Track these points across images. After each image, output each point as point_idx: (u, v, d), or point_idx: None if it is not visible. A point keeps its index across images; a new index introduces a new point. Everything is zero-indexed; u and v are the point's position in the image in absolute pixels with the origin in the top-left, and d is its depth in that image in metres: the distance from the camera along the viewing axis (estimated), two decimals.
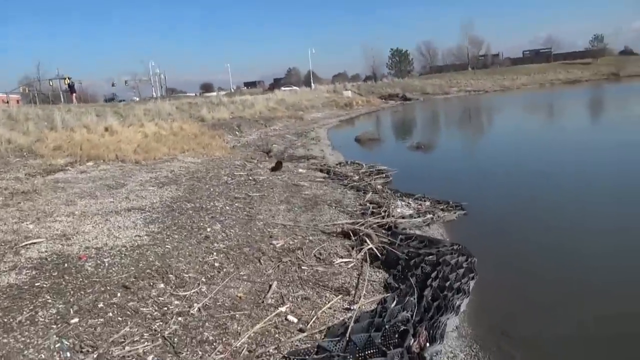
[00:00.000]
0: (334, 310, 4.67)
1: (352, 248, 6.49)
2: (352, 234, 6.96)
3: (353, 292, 5.15)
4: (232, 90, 71.29)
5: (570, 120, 26.96)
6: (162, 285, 4.76)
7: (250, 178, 11.08)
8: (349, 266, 5.85)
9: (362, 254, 6.25)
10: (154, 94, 53.78)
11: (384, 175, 12.79)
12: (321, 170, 13.18)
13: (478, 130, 26.84)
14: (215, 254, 5.80)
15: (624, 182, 10.90)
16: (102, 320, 4.04)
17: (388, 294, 5.22)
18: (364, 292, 5.11)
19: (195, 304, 4.43)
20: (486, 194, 10.74)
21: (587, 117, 28.15)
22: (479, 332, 4.84)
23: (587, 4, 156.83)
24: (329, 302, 4.80)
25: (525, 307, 5.41)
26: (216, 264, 5.47)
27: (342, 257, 6.11)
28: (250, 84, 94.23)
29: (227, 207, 8.17)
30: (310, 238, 6.81)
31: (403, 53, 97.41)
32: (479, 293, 5.59)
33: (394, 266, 6.11)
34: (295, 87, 64.69)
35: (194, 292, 4.69)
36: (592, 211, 8.88)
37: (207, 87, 77.34)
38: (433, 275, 5.72)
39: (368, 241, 6.57)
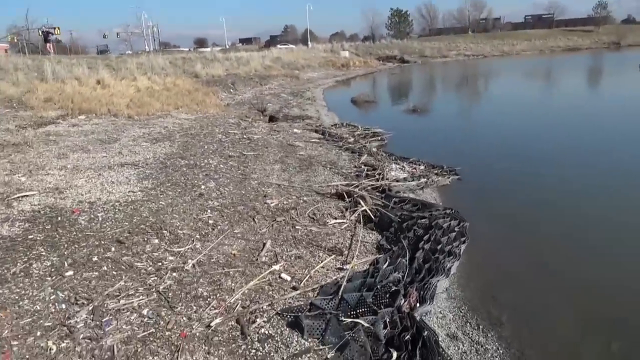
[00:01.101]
0: (327, 270, 4.72)
1: (346, 209, 6.52)
2: (346, 196, 6.98)
3: (346, 252, 5.20)
4: (227, 46, 69.72)
5: (565, 88, 26.87)
6: (156, 241, 4.78)
7: (245, 137, 10.99)
8: (343, 227, 5.89)
9: (356, 215, 6.28)
10: (146, 47, 52.37)
11: (379, 138, 12.73)
12: (316, 131, 13.08)
13: (475, 95, 26.63)
14: (209, 211, 5.80)
15: (614, 145, 11.17)
16: (96, 273, 4.06)
17: (380, 255, 5.29)
18: (357, 252, 5.17)
19: (189, 260, 4.46)
20: (480, 159, 10.75)
21: (581, 86, 27.98)
22: (468, 295, 4.94)
23: None
24: (322, 261, 4.85)
25: (515, 272, 5.51)
26: (210, 222, 5.48)
27: (335, 218, 6.14)
28: (245, 41, 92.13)
29: (222, 166, 8.12)
30: (305, 198, 6.82)
31: (403, 14, 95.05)
32: (469, 256, 5.68)
33: (387, 228, 6.16)
34: (291, 45, 63.29)
35: (188, 249, 4.72)
36: (584, 175, 9.03)
37: (201, 43, 75.48)
38: (425, 238, 5.78)
39: (362, 203, 6.59)
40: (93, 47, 56.74)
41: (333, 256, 5.02)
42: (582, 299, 4.92)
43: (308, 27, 76.40)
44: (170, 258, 4.49)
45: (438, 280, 4.89)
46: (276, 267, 4.56)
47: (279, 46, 62.29)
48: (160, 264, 4.36)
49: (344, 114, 18.16)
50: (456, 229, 6.28)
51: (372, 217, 6.34)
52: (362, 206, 6.50)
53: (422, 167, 9.54)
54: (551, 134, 13.00)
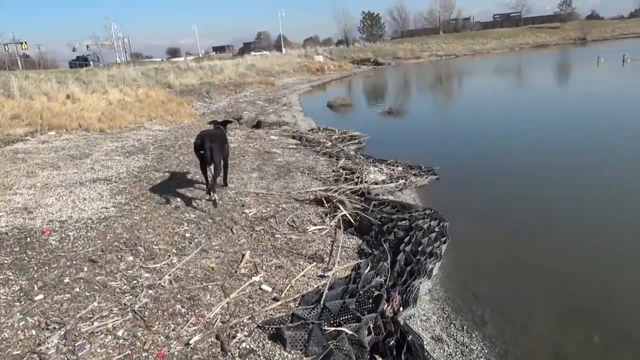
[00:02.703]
0: (308, 278, 4.65)
1: (326, 215, 6.46)
2: (325, 201, 6.92)
3: (327, 259, 5.14)
4: (201, 55, 69.12)
5: (535, 84, 27.43)
6: (130, 258, 4.63)
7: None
8: (323, 233, 5.83)
9: (336, 220, 6.22)
10: (117, 59, 51.60)
11: (356, 141, 12.74)
12: (293, 137, 13.01)
13: (449, 95, 26.94)
14: (185, 224, 5.66)
15: (586, 139, 11.54)
16: (68, 295, 3.90)
17: (362, 260, 5.24)
18: (338, 258, 5.11)
19: (166, 276, 4.33)
20: (457, 158, 10.84)
21: (550, 82, 28.66)
22: (450, 295, 4.93)
23: None
24: (303, 269, 4.78)
25: (495, 269, 5.53)
26: (187, 235, 5.35)
27: (315, 225, 6.07)
28: (219, 49, 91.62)
29: (198, 176, 7.97)
30: (284, 206, 6.74)
31: (375, 17, 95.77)
32: (451, 256, 5.68)
33: (367, 232, 6.12)
34: (265, 52, 63.24)
35: (164, 264, 4.58)
36: (558, 170, 9.16)
37: (174, 52, 74.80)
38: (406, 240, 5.76)
39: (341, 208, 6.54)
40: (63, 61, 55.36)
41: (314, 264, 4.95)
42: (562, 293, 4.95)
43: (281, 33, 76.41)
44: (146, 275, 4.35)
45: (420, 283, 4.86)
46: (256, 278, 4.47)
47: (252, 53, 62.10)
48: (135, 281, 4.22)
49: (320, 119, 18.16)
50: (436, 229, 6.29)
51: (352, 221, 6.29)
52: (342, 211, 6.45)
53: (400, 169, 9.55)
54: (524, 131, 13.23)
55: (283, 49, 65.43)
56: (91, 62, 48.47)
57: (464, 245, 6.04)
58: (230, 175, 8.19)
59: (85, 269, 4.36)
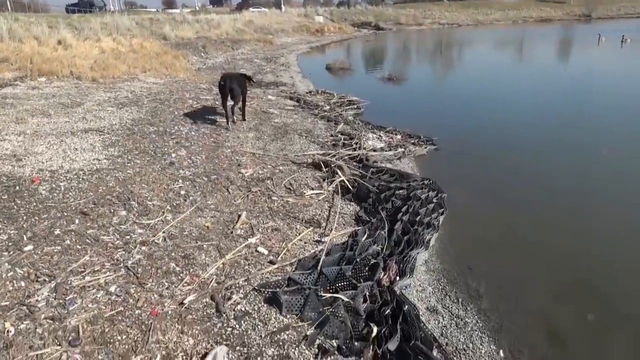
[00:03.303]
0: (305, 243, 4.57)
1: (324, 180, 6.34)
2: (323, 165, 6.79)
3: (324, 224, 5.06)
4: (197, 8, 66.94)
5: (537, 59, 27.18)
6: (123, 213, 4.50)
7: (217, 103, 10.55)
8: (320, 198, 5.72)
9: (334, 186, 6.11)
10: (111, 6, 49.75)
11: (355, 106, 12.48)
12: (291, 98, 12.73)
13: (450, 64, 26.48)
14: (180, 181, 5.52)
15: (589, 114, 11.58)
16: (59, 248, 3.78)
17: (359, 227, 5.16)
18: (335, 224, 5.02)
19: (160, 233, 4.22)
20: (457, 129, 10.70)
21: (552, 56, 28.51)
22: (446, 267, 4.90)
23: None
24: (299, 234, 4.70)
25: (491, 242, 5.49)
26: (182, 192, 5.21)
27: (313, 189, 5.96)
28: (216, 2, 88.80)
29: (193, 133, 7.77)
30: (281, 168, 6.60)
31: None
32: (448, 228, 5.63)
33: (365, 199, 6.03)
34: (264, 9, 61.34)
35: (158, 221, 4.46)
36: (559, 145, 9.17)
37: (169, 3, 72.19)
38: (404, 209, 5.68)
39: (340, 173, 6.42)
40: (55, 5, 52.93)
41: (311, 228, 4.86)
42: (559, 269, 4.94)
43: None
44: (139, 231, 4.23)
45: (417, 253, 4.81)
46: (252, 240, 4.38)
47: (251, 9, 60.19)
48: (128, 237, 4.10)
49: (319, 81, 17.79)
50: (434, 200, 6.21)
51: (350, 187, 6.19)
52: (340, 176, 6.33)
53: (399, 137, 9.40)
54: (524, 106, 13.19)
55: (282, 6, 63.58)
56: (97, 8, 45.97)
57: (461, 217, 5.98)
58: (227, 134, 8.01)
59: (77, 221, 4.23)
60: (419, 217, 5.56)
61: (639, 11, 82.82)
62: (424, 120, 11.44)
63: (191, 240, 4.22)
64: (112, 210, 4.51)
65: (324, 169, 6.72)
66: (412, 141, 9.18)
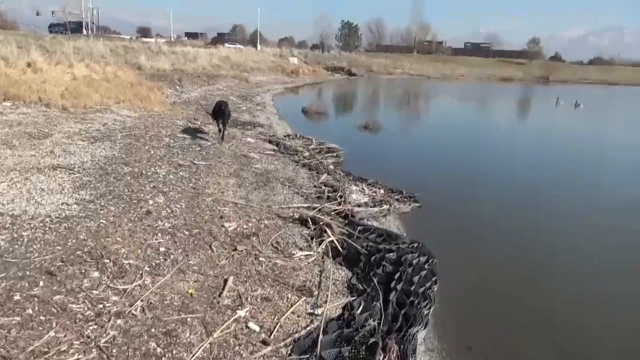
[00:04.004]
0: (298, 316, 4.15)
1: (312, 238, 5.98)
2: (310, 222, 6.43)
3: (316, 292, 4.66)
4: (173, 39, 66.92)
5: (504, 115, 28.93)
6: (96, 274, 3.97)
7: (195, 143, 10.14)
8: (310, 260, 5.34)
9: (323, 247, 5.75)
10: (84, 31, 48.78)
11: (334, 154, 12.32)
12: (270, 142, 12.45)
13: (423, 115, 27.14)
14: (160, 235, 5.03)
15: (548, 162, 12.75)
16: (18, 319, 3.22)
17: (353, 298, 4.79)
18: (329, 294, 4.63)
19: (137, 302, 3.71)
20: (436, 183, 10.79)
21: (518, 114, 30.73)
22: (445, 346, 4.59)
23: (527, 7, 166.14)
24: (291, 304, 4.27)
25: (489, 316, 5.26)
26: (161, 249, 4.72)
27: (301, 249, 5.57)
28: (191, 35, 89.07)
29: (171, 176, 7.30)
30: (266, 222, 6.20)
31: (353, 27, 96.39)
32: (441, 298, 5.34)
33: (355, 263, 5.68)
34: (240, 46, 61.89)
35: (136, 286, 3.95)
36: (536, 196, 10.00)
37: (144, 32, 71.73)
38: (396, 277, 5.38)
39: (329, 232, 6.08)
40: (25, 24, 51.33)
41: (303, 298, 4.45)
42: (561, 340, 4.74)
43: (259, 28, 75.19)
44: (114, 298, 3.71)
45: (417, 331, 4.47)
46: (242, 312, 3.92)
47: (227, 45, 60.59)
48: (101, 306, 3.58)
49: (295, 124, 17.69)
50: (426, 266, 5.95)
51: (340, 249, 5.84)
52: (329, 236, 5.99)
53: (382, 191, 9.20)
54: (499, 158, 14.00)
55: (258, 45, 64.36)
56: (84, 31, 44.75)
57: (454, 286, 5.73)
58: (207, 179, 7.58)
59: (41, 283, 3.67)
60: (413, 286, 5.26)
61: (591, 78, 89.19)
62: (403, 172, 11.43)
63: (173, 312, 3.73)
64: (83, 271, 3.98)
65: (311, 226, 6.37)
66: (396, 197, 8.99)
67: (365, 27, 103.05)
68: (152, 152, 8.53)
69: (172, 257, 4.60)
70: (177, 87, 21.49)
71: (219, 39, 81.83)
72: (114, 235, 4.74)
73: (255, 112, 19.09)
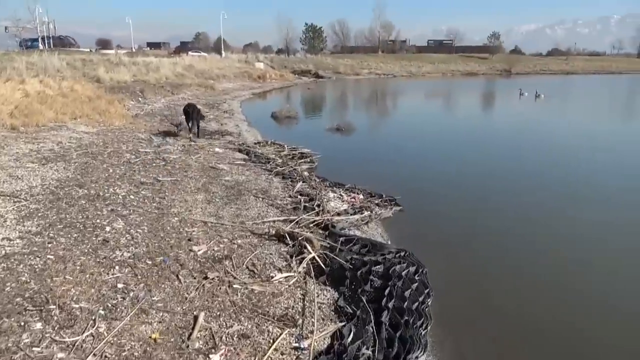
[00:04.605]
0: (282, 353, 3.61)
1: (291, 256, 5.44)
2: (288, 237, 5.90)
3: (300, 321, 4.13)
4: (134, 49, 65.16)
5: (472, 109, 29.29)
6: (39, 326, 3.34)
7: (159, 157, 9.47)
8: (290, 283, 4.80)
9: (304, 265, 5.22)
10: (40, 45, 46.83)
11: (308, 159, 11.83)
12: (240, 151, 11.86)
13: (393, 114, 26.92)
14: (117, 268, 4.40)
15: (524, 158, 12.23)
16: None
17: (342, 324, 4.27)
18: (316, 322, 4.11)
19: (89, 358, 3.10)
20: (414, 183, 10.50)
21: (485, 108, 31.29)
22: None
23: (484, 3, 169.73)
24: (273, 340, 3.73)
25: (490, 332, 4.82)
26: (119, 285, 4.10)
27: (280, 270, 5.03)
28: (154, 45, 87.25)
29: (132, 196, 6.65)
30: (239, 241, 5.64)
31: (317, 29, 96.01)
32: (436, 311, 4.88)
33: (340, 280, 5.16)
34: (204, 53, 60.72)
35: (87, 336, 3.34)
36: (515, 192, 9.88)
37: (104, 44, 69.53)
38: (387, 292, 4.90)
39: (309, 248, 5.55)
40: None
41: (286, 330, 3.91)
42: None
43: (222, 35, 73.86)
44: (60, 355, 3.10)
45: (417, 358, 4.00)
46: (215, 357, 3.36)
47: (190, 53, 59.36)
48: None
49: (265, 130, 17.15)
50: (416, 277, 5.50)
51: (323, 266, 5.32)
52: (310, 252, 5.46)
53: (361, 197, 8.74)
54: (473, 153, 14.10)
55: (223, 52, 63.33)
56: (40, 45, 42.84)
57: (445, 294, 5.30)
58: (172, 197, 6.96)
59: None
60: (405, 302, 4.79)
61: (550, 69, 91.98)
62: (379, 174, 11.03)
63: None
64: (22, 323, 3.34)
65: (290, 242, 5.84)
66: (376, 201, 8.55)
67: (329, 29, 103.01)
68: (110, 170, 7.84)
69: (131, 294, 3.99)
70: (140, 98, 20.62)
71: (182, 47, 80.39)
72: (62, 273, 4.09)
73: (223, 120, 18.43)
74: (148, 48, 78.18)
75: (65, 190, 6.44)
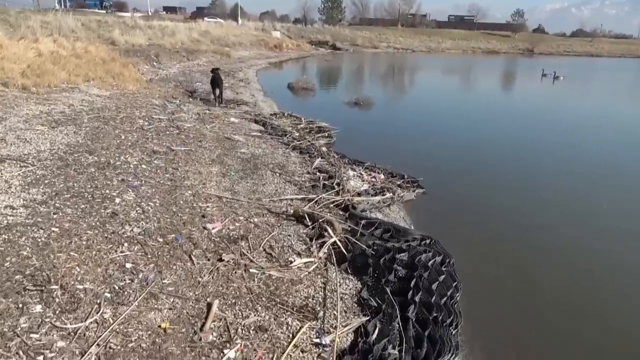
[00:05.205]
0: (302, 351, 3.29)
1: (311, 239, 5.09)
2: (308, 218, 5.54)
3: (321, 313, 3.80)
4: (150, 13, 64.20)
5: (497, 88, 28.39)
6: (38, 308, 3.04)
7: (173, 125, 9.10)
8: (311, 269, 4.46)
9: (325, 250, 4.87)
10: (56, 5, 46.16)
11: (326, 134, 11.40)
12: (256, 122, 11.44)
13: (415, 91, 26.17)
14: (126, 244, 4.08)
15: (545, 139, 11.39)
16: None
17: (366, 318, 3.94)
18: (339, 316, 3.78)
19: (92, 348, 2.80)
20: (438, 164, 10.11)
21: (509, 87, 30.59)
22: None
23: None
24: (293, 334, 3.41)
25: (526, 328, 4.48)
26: (127, 265, 3.78)
27: (299, 254, 4.69)
28: (169, 9, 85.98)
29: (144, 166, 6.31)
30: (256, 220, 5.29)
31: (336, 0, 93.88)
32: (464, 309, 4.53)
33: (363, 268, 4.81)
34: (220, 20, 59.62)
35: (91, 323, 3.03)
36: (549, 169, 9.63)
37: (120, 6, 68.59)
38: (412, 284, 4.55)
39: (330, 231, 5.19)
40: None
41: (307, 324, 3.58)
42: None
43: (239, 2, 72.44)
44: (60, 344, 2.79)
45: None
46: (231, 354, 3.05)
47: (206, 19, 58.26)
48: (40, 358, 2.67)
49: (281, 101, 16.69)
50: (443, 268, 5.14)
51: (345, 251, 4.97)
52: (331, 236, 5.11)
53: (382, 176, 8.33)
54: (499, 133, 13.81)
55: (239, 19, 62.12)
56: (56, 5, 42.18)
57: (474, 288, 4.93)
58: (186, 168, 6.61)
59: None
60: (433, 297, 4.44)
61: (574, 50, 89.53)
62: (399, 152, 10.66)
63: (140, 359, 2.83)
64: (22, 304, 3.04)
65: (309, 223, 5.48)
66: (398, 182, 8.14)
67: (348, 0, 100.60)
68: (122, 137, 7.49)
69: (141, 275, 3.67)
70: (154, 63, 20.15)
71: (199, 13, 79.17)
72: (67, 248, 3.78)
73: (238, 88, 17.95)
74: (164, 12, 77.03)
75: (75, 156, 6.10)
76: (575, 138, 13.57)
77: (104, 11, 40.74)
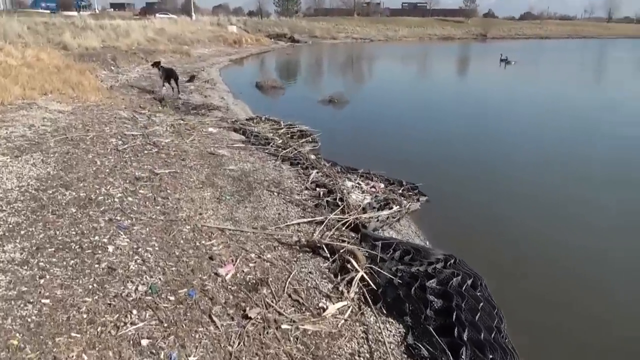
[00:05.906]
0: None
1: (335, 275, 4.56)
2: (325, 249, 5.00)
3: None
4: (97, 11, 61.15)
5: (456, 72, 28.51)
6: None
7: (149, 141, 8.30)
8: (346, 315, 3.94)
9: (355, 288, 4.35)
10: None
11: (309, 138, 10.85)
12: (235, 130, 10.74)
13: (387, 83, 25.81)
14: (135, 312, 3.43)
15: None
16: None
17: None
18: None
19: None
20: (431, 163, 9.86)
21: (470, 73, 31.17)
22: None
23: None
24: None
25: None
26: (144, 342, 3.14)
27: (329, 297, 4.15)
28: (117, 6, 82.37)
29: (130, 198, 5.58)
30: (269, 256, 4.71)
31: None
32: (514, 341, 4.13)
33: (397, 305, 4.31)
34: (173, 16, 57.50)
35: None
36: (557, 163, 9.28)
37: (65, 5, 65.06)
38: (454, 317, 4.12)
39: (354, 263, 4.68)
40: None
41: None
42: None
43: None
44: None
45: None
46: None
47: (159, 15, 56.01)
48: None
49: (253, 103, 16.04)
50: (478, 293, 4.74)
51: (374, 286, 4.47)
52: (356, 269, 4.59)
53: (381, 185, 7.90)
54: (485, 123, 13.64)
55: (193, 14, 60.08)
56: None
57: (515, 315, 4.55)
58: (175, 195, 5.92)
59: None
60: (482, 333, 4.02)
61: (524, 33, 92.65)
62: (386, 152, 10.56)
63: None
64: None
65: (327, 254, 4.95)
66: (399, 191, 7.72)
67: None
68: (98, 162, 6.69)
69: (162, 354, 3.05)
70: (112, 67, 18.94)
71: (149, 8, 76.07)
72: (66, 327, 3.10)
73: (205, 91, 17.09)
74: (112, 9, 73.73)
75: (49, 193, 5.31)
76: (552, 123, 13.77)
77: (53, 12, 38.35)
